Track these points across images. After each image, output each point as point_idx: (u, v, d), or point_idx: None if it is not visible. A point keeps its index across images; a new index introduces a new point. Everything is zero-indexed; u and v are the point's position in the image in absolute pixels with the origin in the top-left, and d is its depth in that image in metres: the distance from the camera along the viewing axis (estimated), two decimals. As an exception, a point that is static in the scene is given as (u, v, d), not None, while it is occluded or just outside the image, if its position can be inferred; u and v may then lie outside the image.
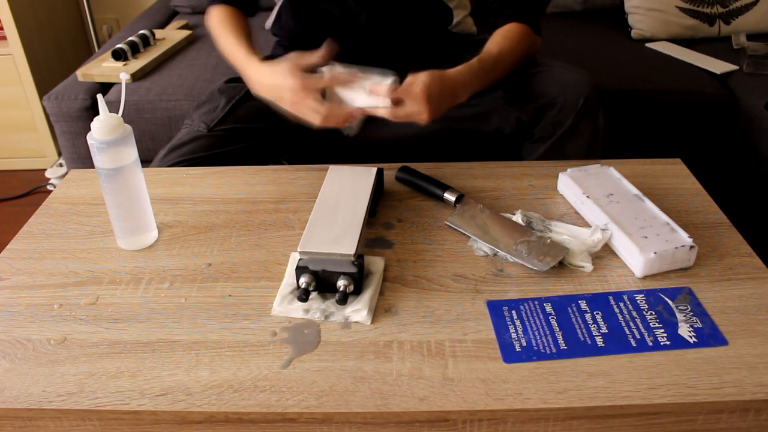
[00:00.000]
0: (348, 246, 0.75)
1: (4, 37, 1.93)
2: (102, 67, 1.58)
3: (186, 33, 1.82)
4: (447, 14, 1.25)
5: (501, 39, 1.04)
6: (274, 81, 0.93)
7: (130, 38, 1.67)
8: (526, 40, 1.07)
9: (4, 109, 2.01)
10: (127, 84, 1.54)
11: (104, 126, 0.76)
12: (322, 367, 0.65)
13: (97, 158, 0.78)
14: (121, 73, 0.87)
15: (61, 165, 2.07)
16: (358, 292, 0.73)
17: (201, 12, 2.04)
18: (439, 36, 1.24)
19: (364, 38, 1.18)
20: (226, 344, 0.69)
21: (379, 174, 0.91)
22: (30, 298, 0.76)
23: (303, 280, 0.72)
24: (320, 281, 0.73)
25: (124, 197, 0.81)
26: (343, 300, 0.71)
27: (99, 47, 2.23)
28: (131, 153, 0.79)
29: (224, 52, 1.07)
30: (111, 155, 0.77)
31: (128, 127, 0.79)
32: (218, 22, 1.09)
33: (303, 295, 0.71)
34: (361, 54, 1.20)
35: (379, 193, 0.92)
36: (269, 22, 1.28)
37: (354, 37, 1.18)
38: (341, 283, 0.72)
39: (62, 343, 0.69)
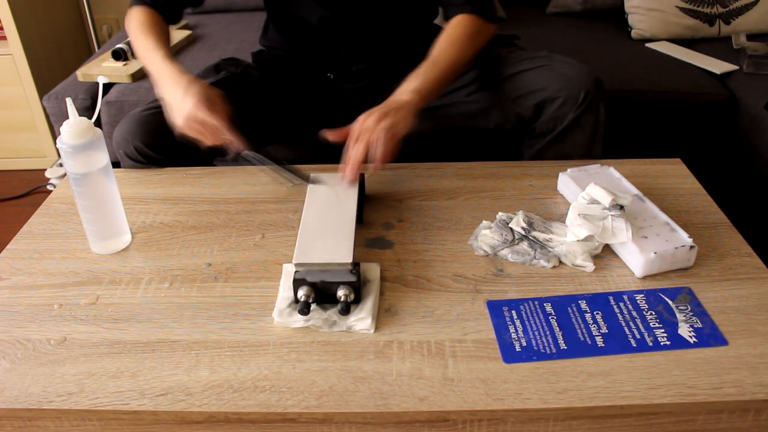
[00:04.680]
0: (344, 254, 0.74)
1: (4, 37, 1.92)
2: (102, 67, 1.58)
3: (186, 33, 1.82)
4: (431, 8, 1.25)
5: (449, 38, 1.01)
6: (177, 100, 0.90)
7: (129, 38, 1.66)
8: (476, 33, 1.04)
9: (4, 109, 2.01)
10: (127, 84, 1.54)
11: (73, 130, 0.75)
12: (322, 367, 0.65)
13: (67, 162, 0.77)
14: (99, 76, 0.86)
15: (61, 165, 2.07)
16: (358, 300, 0.73)
17: (201, 12, 2.04)
18: (424, 31, 1.24)
19: (347, 39, 1.18)
20: (226, 344, 0.69)
21: (361, 178, 0.90)
22: (30, 298, 0.76)
23: (302, 293, 0.71)
24: (319, 292, 0.72)
25: (94, 202, 0.80)
26: (346, 310, 0.70)
27: (99, 47, 2.23)
28: (101, 157, 0.79)
29: (141, 54, 1.02)
30: (80, 159, 0.77)
31: (98, 131, 0.78)
32: (138, 25, 1.04)
33: (304, 308, 0.70)
34: (344, 54, 1.20)
35: (362, 198, 0.90)
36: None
37: (336, 39, 1.18)
38: (341, 293, 0.71)
39: (62, 343, 0.69)
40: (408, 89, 0.93)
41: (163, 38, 1.02)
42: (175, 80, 0.92)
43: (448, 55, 0.99)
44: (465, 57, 1.02)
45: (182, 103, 0.88)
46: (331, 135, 0.90)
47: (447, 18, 1.07)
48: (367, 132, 0.86)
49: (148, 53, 0.98)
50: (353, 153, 0.86)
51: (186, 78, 0.91)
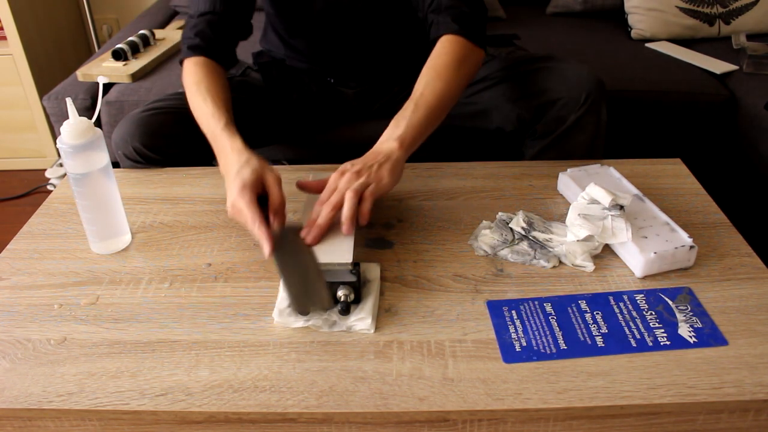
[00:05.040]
0: (344, 255, 0.74)
1: (4, 37, 1.92)
2: (102, 67, 1.58)
3: (186, 33, 1.82)
4: None
5: (436, 68, 0.92)
6: (228, 180, 0.82)
7: (130, 38, 1.66)
8: (465, 58, 0.94)
9: (4, 109, 2.01)
10: (127, 84, 1.54)
11: (73, 130, 0.75)
12: (322, 367, 0.65)
13: (67, 162, 0.77)
14: (99, 76, 0.85)
15: (61, 165, 2.07)
16: (358, 300, 0.73)
17: (201, 12, 2.04)
18: (424, 34, 1.25)
19: (346, 47, 1.18)
20: (226, 344, 0.69)
21: None
22: (30, 298, 0.76)
23: None
24: None
25: (94, 202, 0.80)
26: (346, 310, 0.70)
27: (99, 47, 2.23)
28: (101, 158, 0.79)
29: (199, 119, 0.94)
30: (80, 159, 0.77)
31: (98, 131, 0.78)
32: (194, 84, 0.96)
33: None
34: (344, 60, 1.20)
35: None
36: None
37: (336, 48, 1.18)
38: (342, 294, 0.71)
39: (62, 343, 0.69)
40: (391, 138, 0.85)
41: (222, 99, 0.94)
42: (230, 159, 0.84)
43: (433, 92, 0.89)
44: (452, 90, 0.92)
45: (231, 186, 0.80)
46: (306, 186, 0.85)
47: (433, 38, 0.98)
48: (339, 193, 0.79)
49: (208, 121, 0.91)
50: (320, 216, 0.79)
51: (241, 158, 0.82)
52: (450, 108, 0.93)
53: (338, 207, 0.79)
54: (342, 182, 0.80)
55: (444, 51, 0.94)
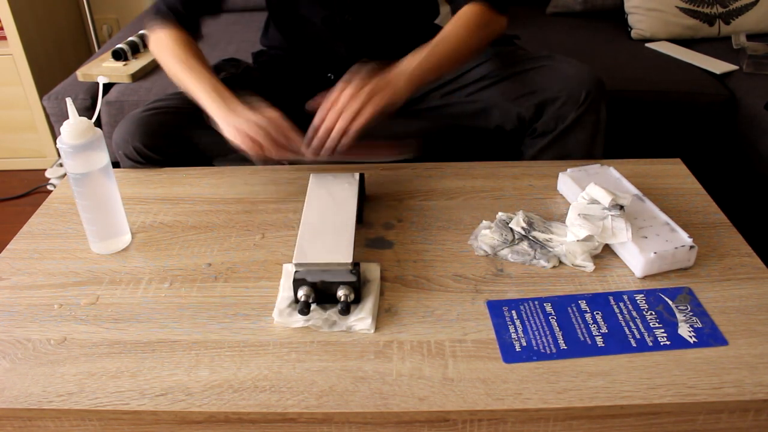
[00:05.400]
0: (344, 254, 0.74)
1: (4, 37, 1.92)
2: (102, 67, 1.58)
3: (186, 33, 1.82)
4: (433, 8, 1.25)
5: (458, 23, 1.01)
6: (238, 114, 0.91)
7: (130, 38, 1.66)
8: (486, 23, 1.03)
9: (4, 109, 2.01)
10: (127, 84, 1.54)
11: (73, 130, 0.75)
12: (322, 367, 0.65)
13: (67, 162, 0.77)
14: (99, 76, 0.86)
15: (61, 165, 2.07)
16: (358, 300, 0.73)
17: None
18: (425, 31, 1.24)
19: (348, 39, 1.18)
20: (226, 344, 0.69)
21: (361, 178, 0.90)
22: (30, 298, 0.76)
23: (302, 293, 0.71)
24: (319, 292, 0.72)
25: (94, 202, 0.80)
26: (346, 310, 0.70)
27: (99, 47, 2.23)
28: (101, 158, 0.79)
29: (181, 77, 1.00)
30: (80, 159, 0.77)
31: (98, 131, 0.78)
32: (171, 50, 1.03)
33: (304, 308, 0.69)
34: (345, 54, 1.20)
35: (362, 198, 0.90)
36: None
37: (337, 39, 1.18)
38: (341, 293, 0.71)
39: (62, 343, 0.69)
40: (409, 59, 0.93)
41: (206, 63, 1.03)
42: (232, 101, 0.93)
43: (457, 36, 0.98)
44: (474, 43, 1.00)
45: (242, 114, 0.89)
46: (312, 104, 0.90)
47: (456, 9, 1.06)
48: (344, 99, 0.86)
49: (198, 84, 0.98)
50: (326, 120, 0.85)
51: (243, 102, 0.93)
52: (463, 62, 1.02)
53: (341, 112, 0.86)
54: (348, 90, 0.87)
55: (467, 15, 1.02)
